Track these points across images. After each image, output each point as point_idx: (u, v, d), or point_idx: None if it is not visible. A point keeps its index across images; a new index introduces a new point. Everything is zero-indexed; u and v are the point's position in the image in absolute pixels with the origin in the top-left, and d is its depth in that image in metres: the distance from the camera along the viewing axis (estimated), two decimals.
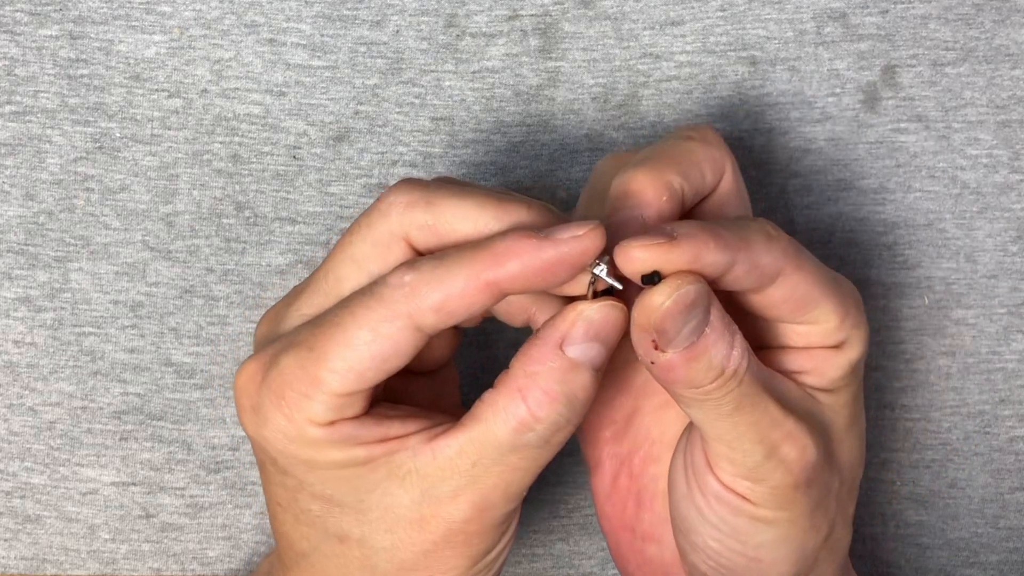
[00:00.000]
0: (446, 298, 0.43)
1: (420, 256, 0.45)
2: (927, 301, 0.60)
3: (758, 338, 0.48)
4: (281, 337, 0.46)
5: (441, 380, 0.51)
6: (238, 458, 0.60)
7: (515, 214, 0.45)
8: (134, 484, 0.60)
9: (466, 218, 0.45)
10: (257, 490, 0.60)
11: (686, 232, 0.43)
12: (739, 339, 0.45)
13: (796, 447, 0.46)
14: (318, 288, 0.47)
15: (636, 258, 0.43)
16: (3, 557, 0.60)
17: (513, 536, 0.48)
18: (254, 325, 0.59)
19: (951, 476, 0.60)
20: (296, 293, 0.47)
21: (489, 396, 0.45)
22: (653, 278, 0.43)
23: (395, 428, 0.45)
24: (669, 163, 0.46)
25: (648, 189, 0.46)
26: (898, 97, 0.59)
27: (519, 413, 0.44)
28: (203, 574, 0.60)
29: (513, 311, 0.48)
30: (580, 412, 0.45)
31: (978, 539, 0.61)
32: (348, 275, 0.46)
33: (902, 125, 0.60)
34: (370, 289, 0.44)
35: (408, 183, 0.46)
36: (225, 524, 0.60)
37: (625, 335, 0.45)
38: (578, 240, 0.43)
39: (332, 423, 0.44)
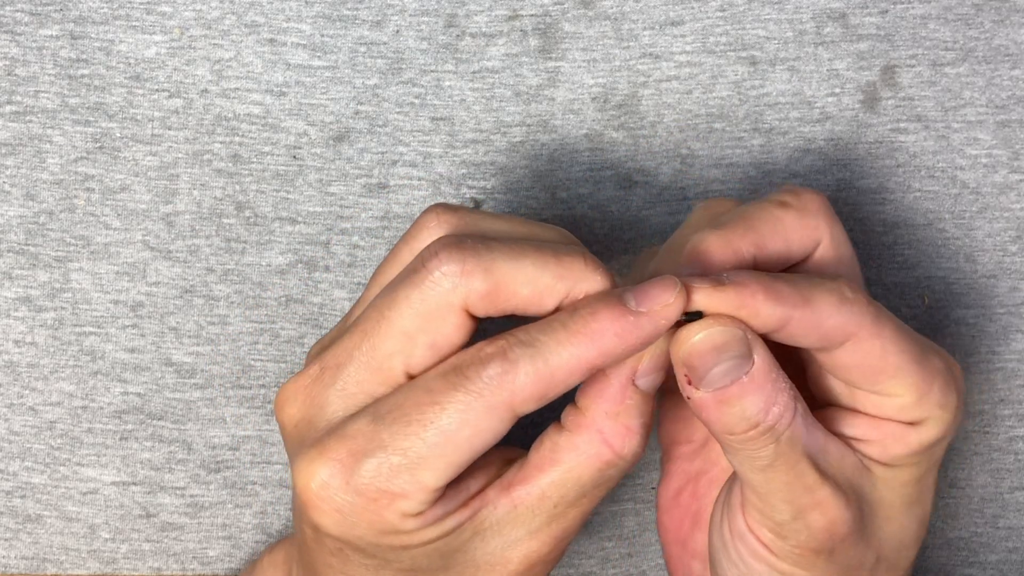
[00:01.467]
0: (548, 387, 0.42)
1: (503, 339, 0.43)
2: (927, 301, 0.60)
3: (829, 393, 0.48)
4: (342, 428, 0.44)
5: None
6: (238, 458, 0.60)
7: (575, 271, 0.44)
8: (134, 484, 0.60)
9: (527, 283, 0.43)
10: (257, 490, 0.60)
11: (736, 280, 0.43)
12: (784, 397, 0.44)
13: (825, 517, 0.46)
14: (361, 362, 0.44)
15: (695, 292, 0.44)
16: (3, 557, 0.60)
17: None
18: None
19: (950, 475, 0.60)
20: (334, 369, 0.45)
21: (566, 440, 0.45)
22: (693, 316, 0.44)
23: (473, 485, 0.45)
24: (747, 231, 0.46)
25: (716, 255, 0.46)
26: (898, 97, 0.59)
27: (604, 454, 0.44)
28: (203, 574, 0.60)
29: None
30: (650, 430, 0.46)
31: (977, 538, 0.61)
32: (397, 350, 0.44)
33: (902, 125, 0.60)
34: (460, 382, 0.42)
35: (455, 246, 0.43)
36: (225, 524, 0.60)
37: None
38: (670, 308, 0.43)
39: (424, 512, 0.44)
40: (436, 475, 0.43)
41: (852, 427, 0.47)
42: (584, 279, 0.44)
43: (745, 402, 0.44)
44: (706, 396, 0.44)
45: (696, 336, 0.43)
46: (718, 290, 0.43)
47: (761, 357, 0.44)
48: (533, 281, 0.43)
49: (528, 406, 0.43)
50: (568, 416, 0.45)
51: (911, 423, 0.47)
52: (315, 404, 0.45)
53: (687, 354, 0.43)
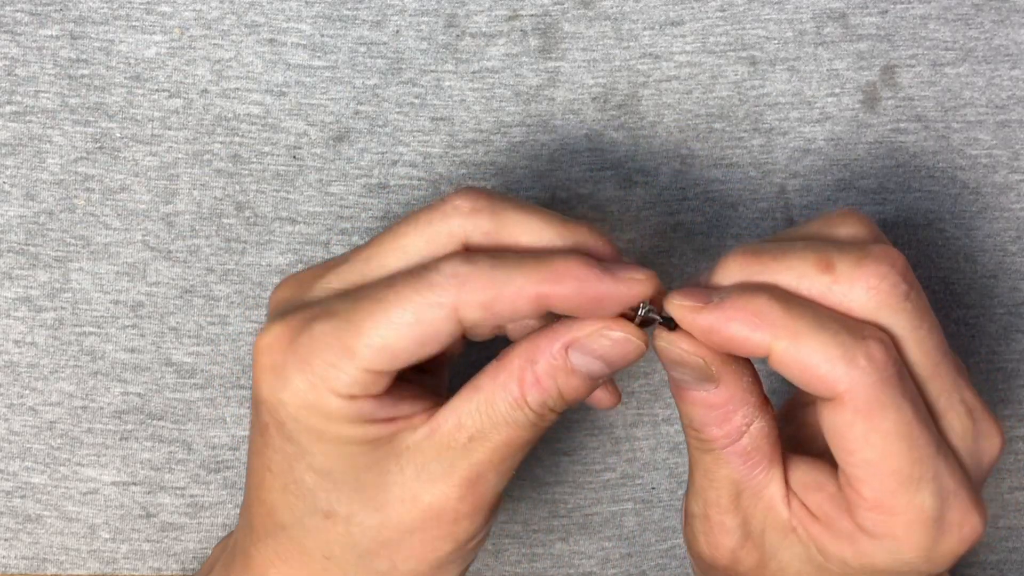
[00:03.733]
0: (496, 298, 0.43)
1: (477, 252, 0.45)
2: None
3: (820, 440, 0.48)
4: (312, 304, 0.46)
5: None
6: (238, 458, 0.60)
7: (578, 235, 0.45)
8: (134, 484, 0.60)
9: (530, 231, 0.45)
10: None
11: (716, 304, 0.44)
12: (732, 427, 0.45)
13: (710, 540, 0.47)
14: (354, 268, 0.46)
15: (671, 307, 0.45)
16: (3, 557, 0.60)
17: (490, 529, 0.48)
18: (255, 325, 0.59)
19: None
20: (326, 268, 0.47)
21: (492, 369, 0.45)
22: (670, 323, 0.45)
23: (406, 408, 0.45)
24: (767, 273, 0.45)
25: (731, 277, 0.46)
26: (897, 97, 0.59)
27: (513, 391, 0.45)
28: None
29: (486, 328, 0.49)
30: (565, 406, 0.46)
31: None
32: (393, 263, 0.46)
33: (901, 125, 0.60)
34: (419, 273, 0.44)
35: (474, 191, 0.46)
36: (225, 524, 0.60)
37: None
38: (636, 283, 0.44)
39: (353, 397, 0.44)
40: (371, 354, 0.43)
41: (809, 497, 0.46)
42: (586, 242, 0.45)
43: (692, 410, 0.46)
44: (670, 379, 0.46)
45: (659, 343, 0.45)
46: (692, 311, 0.44)
47: (726, 387, 0.45)
48: (535, 232, 0.45)
49: (472, 313, 0.43)
50: (502, 353, 0.46)
51: (862, 530, 0.44)
52: (301, 288, 0.47)
53: (655, 347, 0.46)
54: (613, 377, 0.47)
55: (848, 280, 0.43)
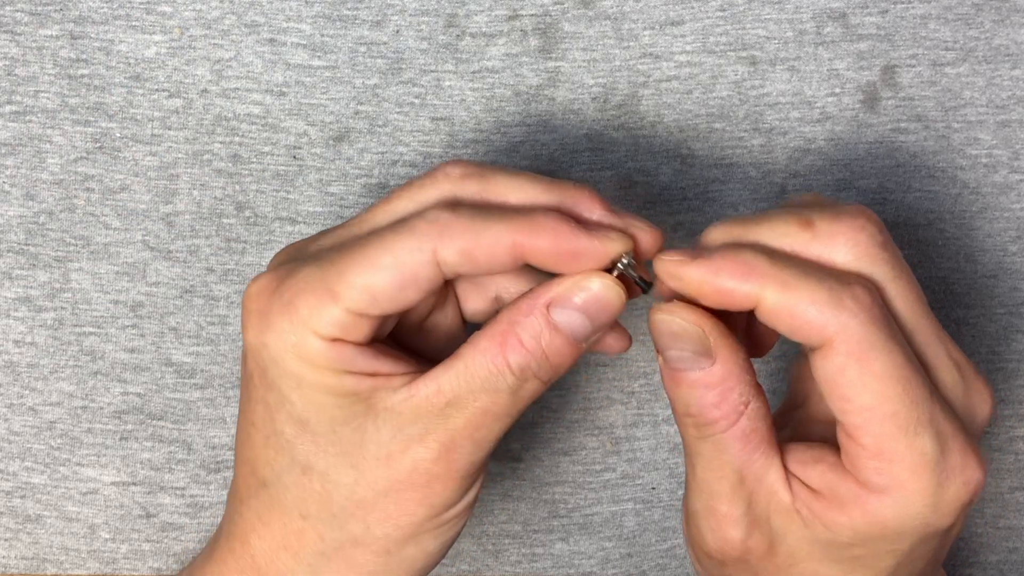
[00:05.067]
0: (474, 245, 0.44)
1: (460, 204, 0.46)
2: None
3: (821, 418, 0.48)
4: (305, 256, 0.47)
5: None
6: None
7: (565, 193, 0.47)
8: (134, 484, 0.60)
9: (518, 189, 0.47)
10: None
11: (704, 256, 0.44)
12: (728, 407, 0.45)
13: (716, 533, 0.47)
14: (347, 230, 0.48)
15: (658, 268, 0.45)
16: (3, 557, 0.60)
17: (470, 507, 0.48)
18: None
19: None
20: (322, 233, 0.49)
21: (475, 336, 0.46)
22: (645, 285, 0.46)
23: (387, 366, 0.46)
24: (751, 236, 0.46)
25: (716, 242, 0.46)
26: (898, 97, 0.59)
27: (495, 357, 0.45)
28: None
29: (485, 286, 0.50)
30: (550, 373, 0.46)
31: (978, 539, 0.61)
32: (383, 224, 0.47)
33: (902, 125, 0.60)
34: (403, 221, 0.45)
35: (464, 161, 0.47)
36: None
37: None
38: (609, 239, 0.45)
39: (334, 340, 0.45)
40: (354, 294, 0.44)
41: (808, 473, 0.46)
42: (574, 200, 0.46)
43: (689, 394, 0.46)
44: (663, 366, 0.46)
45: (657, 315, 0.46)
46: (681, 265, 0.45)
47: (723, 363, 0.45)
48: (523, 189, 0.46)
49: (451, 257, 0.44)
50: (487, 322, 0.47)
51: (867, 487, 0.45)
52: (296, 250, 0.48)
53: (651, 323, 0.46)
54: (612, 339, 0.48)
55: (828, 235, 0.45)
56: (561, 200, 0.46)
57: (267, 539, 0.48)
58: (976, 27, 0.59)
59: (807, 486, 0.46)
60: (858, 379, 0.43)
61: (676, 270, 0.45)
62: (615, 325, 0.48)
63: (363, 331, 0.45)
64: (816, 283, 0.43)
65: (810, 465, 0.46)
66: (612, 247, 0.45)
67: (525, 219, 0.45)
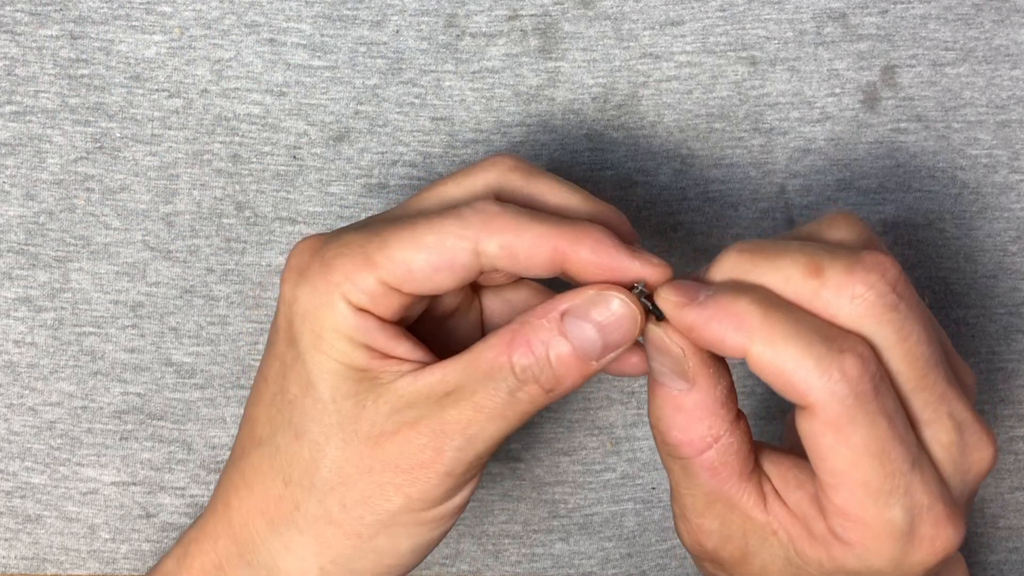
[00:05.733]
0: (516, 241, 0.45)
1: (509, 202, 0.47)
2: (927, 301, 0.60)
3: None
4: (356, 226, 0.48)
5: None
6: None
7: (602, 208, 0.48)
8: (134, 484, 0.60)
9: (559, 194, 0.48)
10: None
11: (701, 302, 0.44)
12: (696, 435, 0.45)
13: (693, 538, 0.48)
14: (399, 209, 0.48)
15: (659, 299, 0.45)
16: (3, 557, 0.60)
17: (452, 515, 0.48)
18: (254, 325, 0.60)
19: None
20: (375, 216, 0.49)
21: (488, 335, 0.46)
22: (658, 314, 0.46)
23: (403, 350, 0.46)
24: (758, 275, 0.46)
25: (724, 273, 0.46)
26: (898, 97, 0.59)
27: (501, 354, 0.45)
28: None
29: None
30: (552, 382, 0.46)
31: (978, 539, 0.61)
32: (431, 206, 0.48)
33: (902, 125, 0.60)
34: (452, 207, 0.46)
35: (514, 155, 0.48)
36: None
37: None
38: (650, 264, 0.45)
39: (360, 310, 0.46)
40: (391, 266, 0.45)
41: (790, 495, 0.46)
42: (609, 219, 0.47)
43: (660, 408, 0.46)
44: (649, 373, 0.46)
45: (650, 325, 0.46)
46: (677, 307, 0.45)
47: (698, 391, 0.45)
48: (564, 197, 0.48)
49: (491, 250, 0.45)
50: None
51: (833, 534, 0.44)
52: (350, 225, 0.49)
53: (645, 331, 0.46)
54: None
55: (835, 287, 0.43)
56: (599, 216, 0.47)
57: (247, 501, 0.48)
58: (976, 27, 0.59)
59: (786, 505, 0.46)
60: (832, 447, 0.43)
61: (672, 312, 0.45)
62: (636, 347, 0.47)
63: (391, 307, 0.46)
64: (806, 347, 0.42)
65: (792, 487, 0.46)
66: (650, 272, 0.45)
67: (570, 226, 0.45)
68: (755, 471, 0.46)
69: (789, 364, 0.42)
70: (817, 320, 0.43)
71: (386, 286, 0.45)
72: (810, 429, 0.43)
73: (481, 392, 0.46)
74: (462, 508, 0.48)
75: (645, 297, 0.45)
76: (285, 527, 0.47)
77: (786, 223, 0.60)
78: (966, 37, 0.59)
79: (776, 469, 0.46)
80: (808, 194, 0.60)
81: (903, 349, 0.43)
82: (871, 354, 0.43)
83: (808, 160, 0.60)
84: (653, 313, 0.46)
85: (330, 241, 0.47)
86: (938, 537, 0.44)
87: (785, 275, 0.44)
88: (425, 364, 0.46)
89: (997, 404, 0.60)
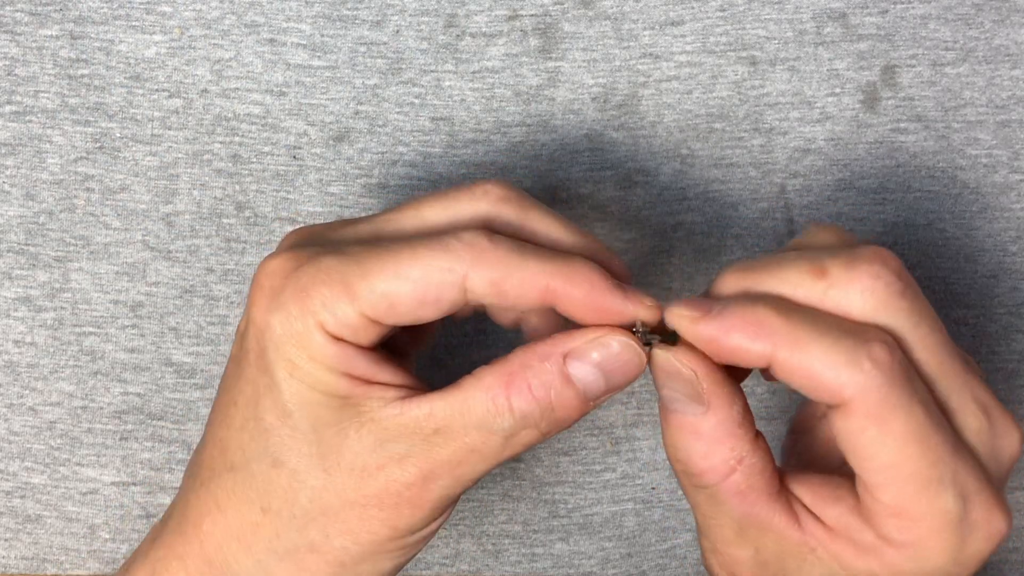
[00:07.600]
0: (505, 278, 0.44)
1: (499, 234, 0.45)
2: None
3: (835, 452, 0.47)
4: (325, 244, 0.46)
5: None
6: None
7: (591, 242, 0.47)
8: (134, 484, 0.60)
9: (549, 229, 0.46)
10: None
11: (716, 312, 0.43)
12: (718, 460, 0.44)
13: (735, 568, 0.46)
14: (372, 225, 0.46)
15: (671, 321, 0.44)
16: (3, 557, 0.60)
17: (433, 533, 0.47)
18: None
19: None
20: (343, 223, 0.47)
21: (480, 371, 0.45)
22: (672, 337, 0.45)
23: (385, 375, 0.45)
24: (764, 283, 0.45)
25: (727, 291, 0.45)
26: (898, 97, 0.59)
27: (497, 397, 0.44)
28: None
29: (507, 311, 0.48)
30: (552, 425, 0.45)
31: None
32: (410, 228, 0.46)
33: (902, 125, 0.60)
34: (440, 237, 0.44)
35: (506, 182, 0.47)
36: None
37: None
38: (642, 305, 0.44)
39: (338, 340, 0.44)
40: (372, 299, 0.43)
41: (826, 511, 0.45)
42: (600, 256, 0.46)
43: (678, 438, 0.45)
44: (660, 403, 0.45)
45: (656, 350, 0.44)
46: (693, 321, 0.43)
47: (715, 413, 0.44)
48: (555, 231, 0.46)
49: (480, 287, 0.44)
50: (496, 359, 0.46)
51: (886, 540, 0.43)
52: (313, 235, 0.47)
53: (650, 358, 0.45)
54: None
55: (843, 283, 0.43)
56: (590, 252, 0.46)
57: (221, 526, 0.47)
58: (976, 27, 0.59)
59: (823, 523, 0.45)
60: (877, 441, 0.42)
61: (688, 327, 0.43)
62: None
63: (370, 336, 0.44)
64: (832, 342, 0.42)
65: (829, 503, 0.45)
66: (643, 313, 0.44)
67: (563, 264, 0.44)
68: (782, 491, 0.45)
69: (817, 365, 0.42)
70: (836, 317, 0.43)
71: (366, 318, 0.44)
72: (850, 427, 0.42)
73: (475, 435, 0.44)
74: (442, 524, 0.47)
75: (647, 332, 0.45)
76: (264, 554, 0.46)
77: (786, 223, 0.59)
78: (966, 37, 0.59)
79: (805, 487, 0.45)
80: (808, 194, 0.60)
81: (920, 335, 0.43)
82: (894, 341, 0.43)
83: (808, 160, 0.60)
84: (662, 342, 0.45)
85: (305, 264, 0.44)
86: (991, 521, 0.43)
87: (791, 283, 0.43)
88: (410, 389, 0.45)
89: None
